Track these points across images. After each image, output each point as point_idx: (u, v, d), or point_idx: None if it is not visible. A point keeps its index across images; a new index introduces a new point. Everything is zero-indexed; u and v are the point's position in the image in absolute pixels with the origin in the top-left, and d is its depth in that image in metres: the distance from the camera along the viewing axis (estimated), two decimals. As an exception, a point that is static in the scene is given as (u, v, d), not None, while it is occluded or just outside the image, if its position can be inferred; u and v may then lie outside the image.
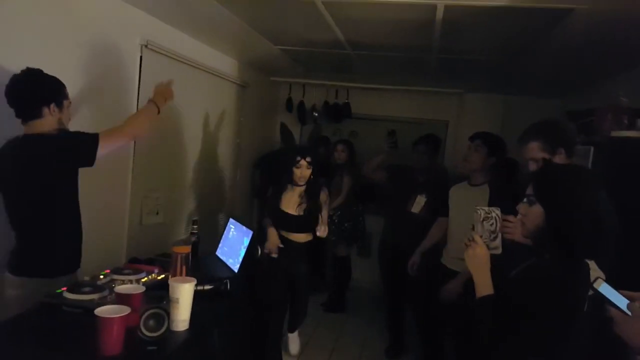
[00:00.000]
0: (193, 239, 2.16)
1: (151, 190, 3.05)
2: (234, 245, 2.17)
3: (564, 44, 2.62)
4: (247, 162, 4.65)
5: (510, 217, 1.53)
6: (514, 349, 1.23)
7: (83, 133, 1.82)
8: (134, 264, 2.06)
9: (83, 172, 2.09)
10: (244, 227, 2.14)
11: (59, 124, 1.81)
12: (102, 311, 1.31)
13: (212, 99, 3.81)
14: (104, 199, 2.63)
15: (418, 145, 3.37)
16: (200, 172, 3.70)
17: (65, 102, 1.83)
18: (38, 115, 1.76)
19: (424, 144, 3.35)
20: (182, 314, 1.51)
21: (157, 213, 3.13)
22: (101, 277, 1.80)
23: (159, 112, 2.12)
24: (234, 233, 2.24)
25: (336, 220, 4.05)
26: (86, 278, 1.76)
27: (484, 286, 1.32)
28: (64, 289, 1.61)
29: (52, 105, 1.77)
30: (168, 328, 1.37)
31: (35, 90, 1.76)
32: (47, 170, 1.73)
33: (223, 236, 2.36)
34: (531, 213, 1.30)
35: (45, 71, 1.83)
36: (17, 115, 1.75)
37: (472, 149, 2.62)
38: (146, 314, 1.34)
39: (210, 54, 3.64)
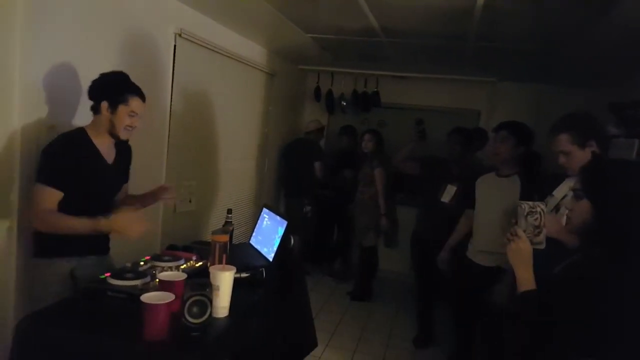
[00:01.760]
0: (230, 227, 2.18)
1: (184, 179, 3.10)
2: (268, 234, 2.19)
3: (612, 33, 2.50)
4: (274, 152, 4.67)
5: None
6: (560, 348, 1.19)
7: (46, 162, 1.73)
8: (172, 250, 2.09)
9: None
10: (278, 217, 2.15)
11: (110, 125, 1.83)
12: (147, 297, 1.35)
13: (241, 88, 3.82)
14: (140, 187, 2.68)
15: (451, 136, 3.32)
16: (229, 161, 3.73)
17: (121, 107, 1.82)
18: (96, 110, 1.83)
19: (458, 135, 3.29)
20: (222, 301, 1.54)
21: (190, 201, 3.18)
22: (142, 263, 1.84)
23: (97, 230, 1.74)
24: (268, 222, 2.25)
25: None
26: (127, 264, 1.80)
27: (527, 282, 1.30)
28: (108, 274, 1.66)
29: (105, 104, 1.80)
30: (211, 315, 1.39)
31: (97, 85, 1.82)
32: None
33: (257, 225, 2.38)
34: (578, 208, 1.27)
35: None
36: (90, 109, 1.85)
37: (498, 140, 2.55)
38: (190, 300, 1.36)
39: (240, 42, 3.65)
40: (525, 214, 1.35)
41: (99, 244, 1.93)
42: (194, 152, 3.21)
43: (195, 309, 1.36)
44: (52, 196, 1.70)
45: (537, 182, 2.35)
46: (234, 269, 1.58)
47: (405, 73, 4.62)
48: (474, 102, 4.76)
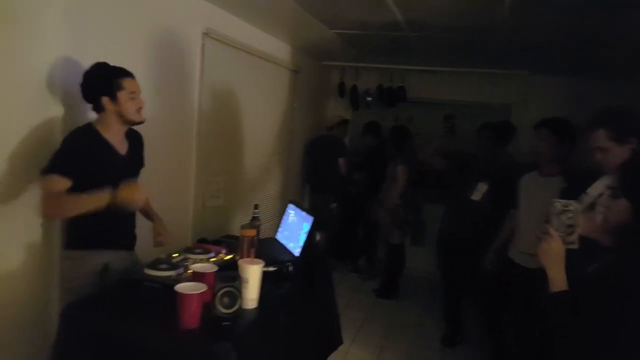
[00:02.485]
0: (257, 222, 2.22)
1: (213, 175, 3.17)
2: (293, 229, 2.22)
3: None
4: (299, 148, 4.70)
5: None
6: (590, 350, 1.17)
7: (57, 154, 1.73)
8: (203, 244, 2.15)
9: (154, 160, 2.22)
10: (304, 213, 2.18)
11: (119, 116, 1.82)
12: (181, 287, 1.40)
13: (267, 85, 3.87)
14: (171, 184, 2.77)
15: (481, 131, 3.25)
16: (256, 157, 3.79)
17: (120, 94, 1.79)
18: (99, 108, 1.82)
19: (488, 130, 3.23)
20: (251, 293, 1.58)
21: (219, 196, 3.25)
22: (175, 255, 1.90)
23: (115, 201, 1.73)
24: (294, 218, 2.28)
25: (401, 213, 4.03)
26: (162, 256, 1.87)
27: (559, 282, 1.27)
28: (146, 266, 1.73)
29: (106, 99, 1.79)
30: (240, 306, 1.43)
31: (88, 85, 1.80)
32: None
33: (282, 220, 2.41)
34: (615, 207, 1.23)
35: (111, 59, 1.87)
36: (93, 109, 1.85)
37: (538, 138, 2.46)
38: (221, 291, 1.41)
39: (265, 39, 3.69)
40: (558, 212, 1.32)
41: (127, 239, 2.00)
42: (221, 149, 3.28)
43: (225, 300, 1.41)
44: (60, 184, 1.69)
45: (585, 184, 2.25)
46: (262, 263, 1.61)
47: (432, 67, 4.56)
48: (504, 96, 4.65)
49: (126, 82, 1.82)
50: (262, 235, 2.71)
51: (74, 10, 1.95)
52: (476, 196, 3.20)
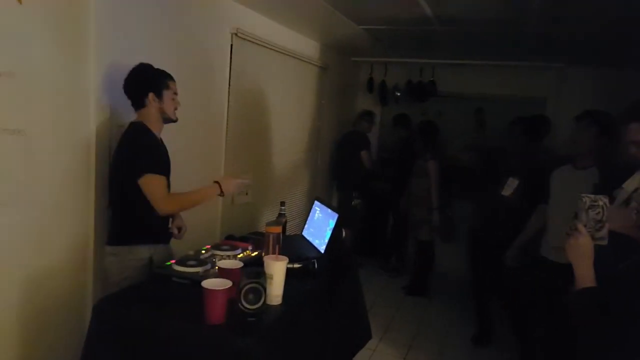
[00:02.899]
0: (283, 219, 2.25)
1: (241, 172, 3.23)
2: (319, 226, 2.24)
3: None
4: (327, 145, 4.71)
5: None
6: (616, 350, 1.13)
7: (143, 154, 1.85)
8: (230, 240, 2.20)
9: (184, 157, 2.28)
10: (329, 210, 2.19)
11: (161, 112, 1.94)
12: (208, 283, 1.44)
13: (295, 83, 3.90)
14: (201, 181, 2.82)
15: (514, 126, 3.17)
16: (284, 155, 3.83)
17: (165, 93, 1.93)
18: (142, 104, 1.93)
19: (521, 124, 3.14)
20: (275, 289, 1.60)
21: (247, 194, 3.30)
22: (203, 251, 1.96)
23: (221, 194, 1.98)
24: (320, 215, 2.30)
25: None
26: (190, 252, 1.93)
27: (586, 279, 1.23)
28: (173, 261, 1.79)
29: (152, 95, 1.90)
30: (265, 302, 1.46)
31: (136, 81, 1.92)
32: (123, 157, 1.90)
33: (309, 217, 2.43)
34: None
35: (144, 58, 1.97)
36: (132, 105, 1.94)
37: (579, 129, 2.39)
38: (245, 287, 1.43)
39: (293, 37, 3.72)
40: (587, 207, 1.28)
41: (167, 232, 2.09)
42: (250, 147, 3.34)
43: (250, 296, 1.43)
44: (163, 181, 1.87)
45: (620, 177, 2.17)
46: (287, 259, 1.64)
47: (463, 60, 4.46)
48: (538, 90, 4.49)
49: (171, 83, 1.97)
50: (290, 232, 2.75)
51: (112, 15, 2.04)
52: (507, 192, 3.12)
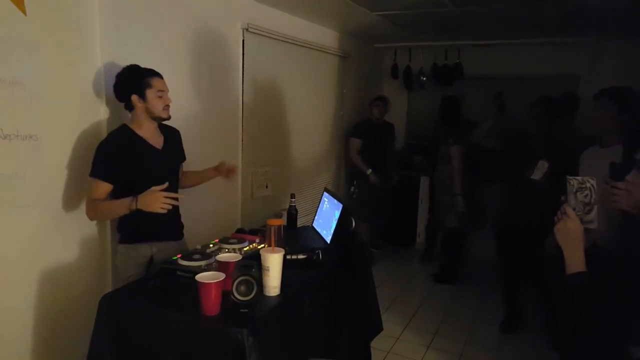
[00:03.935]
0: (285, 212, 2.28)
1: (259, 166, 3.29)
2: (327, 217, 2.25)
3: None
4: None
5: (620, 184, 1.32)
6: (609, 335, 1.08)
7: (96, 158, 1.88)
8: (239, 234, 2.26)
9: (202, 152, 2.34)
10: (336, 200, 2.19)
11: (148, 113, 1.95)
12: (202, 277, 1.49)
13: (313, 73, 3.89)
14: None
15: (535, 107, 3.02)
16: (304, 146, 3.85)
17: (149, 92, 1.91)
18: (130, 106, 1.96)
19: (542, 105, 2.99)
20: (272, 281, 1.63)
21: (267, 186, 3.36)
22: (211, 245, 2.01)
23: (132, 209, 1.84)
24: (327, 206, 2.31)
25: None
26: (198, 246, 2.00)
27: (576, 263, 1.20)
28: (179, 256, 1.86)
29: (135, 97, 1.91)
30: (257, 293, 1.49)
31: (119, 84, 1.94)
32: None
33: (318, 208, 2.45)
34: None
35: (153, 62, 2.03)
36: (124, 108, 2.00)
37: (598, 108, 2.26)
38: (237, 280, 1.48)
39: (310, 28, 3.70)
40: (575, 190, 1.23)
41: (172, 230, 2.15)
42: (267, 140, 3.38)
43: (242, 288, 1.47)
44: (101, 188, 1.87)
45: None
46: (282, 251, 1.66)
47: (489, 41, 4.27)
48: (571, 66, 4.24)
49: (154, 81, 1.95)
50: (307, 223, 2.77)
51: (117, 17, 2.12)
52: (536, 175, 3.00)
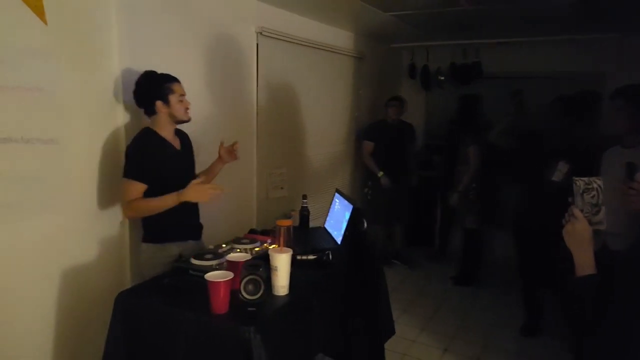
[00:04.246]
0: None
1: (275, 167, 3.32)
2: (338, 218, 2.26)
3: None
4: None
5: (635, 185, 1.28)
6: (615, 336, 1.05)
7: (129, 160, 1.98)
8: (252, 234, 2.29)
9: (215, 152, 2.38)
10: (346, 201, 2.21)
11: (171, 117, 2.05)
12: (211, 276, 1.53)
13: (328, 75, 3.91)
14: (236, 177, 2.97)
15: (553, 106, 2.96)
16: (320, 147, 3.87)
17: (172, 97, 2.01)
18: (152, 111, 2.05)
19: (560, 104, 2.92)
20: (280, 280, 1.66)
21: (282, 188, 3.40)
22: (223, 245, 2.06)
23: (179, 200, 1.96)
24: (338, 207, 2.32)
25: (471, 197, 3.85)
26: (211, 246, 2.04)
27: (585, 265, 1.17)
28: (193, 256, 1.91)
29: (159, 103, 2.01)
30: (264, 292, 1.52)
31: (142, 92, 2.04)
32: None
33: (330, 209, 2.46)
34: None
35: (170, 68, 2.11)
36: (144, 113, 2.09)
37: (614, 109, 2.20)
38: (245, 279, 1.51)
39: (324, 30, 3.73)
40: (581, 191, 1.20)
41: (193, 230, 2.22)
42: (283, 142, 3.42)
43: (250, 287, 1.50)
44: (137, 188, 1.96)
45: None
46: (290, 251, 1.68)
47: (509, 39, 4.19)
48: (596, 64, 4.11)
49: (175, 86, 2.05)
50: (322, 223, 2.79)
51: (134, 25, 2.19)
52: (557, 177, 2.94)
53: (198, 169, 2.32)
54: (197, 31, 2.59)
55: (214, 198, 1.93)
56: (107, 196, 2.14)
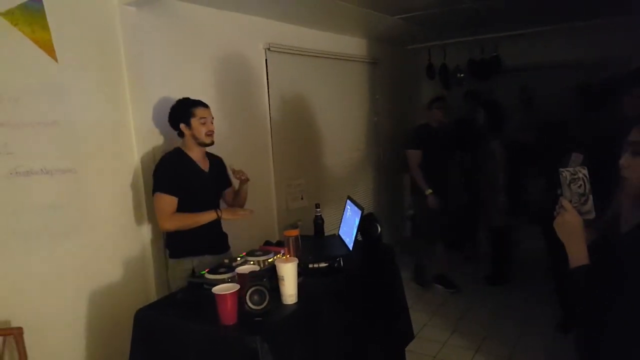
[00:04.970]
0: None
1: (293, 179, 3.38)
2: (350, 224, 2.28)
3: None
4: (388, 138, 4.64)
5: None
6: (618, 329, 1.03)
7: (157, 176, 2.13)
8: (266, 246, 2.34)
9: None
10: (356, 207, 2.22)
11: (194, 138, 2.19)
12: (218, 289, 1.58)
13: (340, 83, 3.93)
14: (255, 191, 3.01)
15: (569, 94, 2.86)
16: (338, 155, 3.89)
17: (193, 121, 2.16)
18: (181, 134, 2.22)
19: (577, 93, 2.82)
20: (288, 289, 1.69)
21: (302, 198, 3.44)
22: (238, 258, 2.12)
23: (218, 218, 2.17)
24: (350, 213, 2.34)
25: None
26: (226, 260, 2.11)
27: (578, 256, 1.15)
28: (207, 270, 1.98)
29: (183, 125, 2.18)
30: (270, 302, 1.56)
31: (171, 116, 2.22)
32: None
33: (343, 216, 2.48)
34: (636, 165, 1.07)
35: (182, 92, 2.25)
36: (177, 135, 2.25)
37: (635, 98, 2.12)
38: (250, 290, 1.55)
39: (333, 39, 3.77)
40: (568, 182, 1.18)
41: (217, 244, 2.31)
42: (299, 153, 3.47)
43: (255, 297, 1.55)
44: (172, 201, 2.10)
45: None
46: (296, 261, 1.72)
47: (525, 30, 4.08)
48: (620, 48, 3.92)
49: (197, 110, 2.19)
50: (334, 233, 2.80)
51: (143, 55, 2.33)
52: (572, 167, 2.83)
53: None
54: (206, 53, 2.69)
55: (246, 217, 2.17)
56: (127, 218, 2.26)
